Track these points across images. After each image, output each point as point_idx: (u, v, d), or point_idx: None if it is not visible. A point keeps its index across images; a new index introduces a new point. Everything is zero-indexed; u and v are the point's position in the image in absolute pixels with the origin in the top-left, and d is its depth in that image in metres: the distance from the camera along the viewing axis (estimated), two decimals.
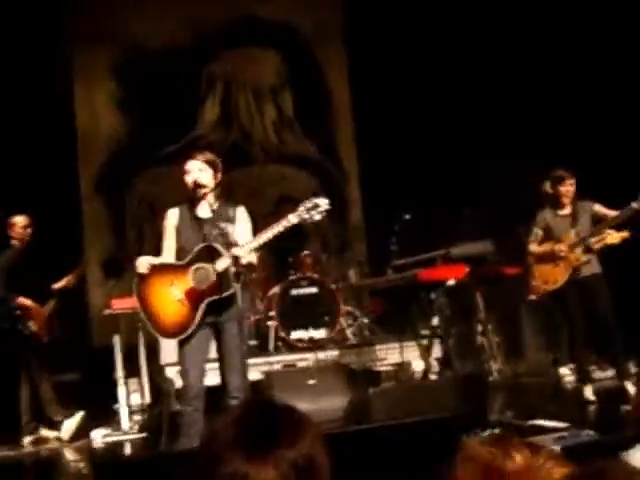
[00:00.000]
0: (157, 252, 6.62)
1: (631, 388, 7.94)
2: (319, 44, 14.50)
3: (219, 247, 6.21)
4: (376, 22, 13.14)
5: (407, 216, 10.55)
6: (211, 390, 6.63)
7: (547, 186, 8.77)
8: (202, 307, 6.27)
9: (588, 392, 8.35)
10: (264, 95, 14.34)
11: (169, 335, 6.54)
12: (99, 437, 8.57)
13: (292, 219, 6.32)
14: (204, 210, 6.49)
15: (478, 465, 1.76)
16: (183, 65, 13.61)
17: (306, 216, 6.34)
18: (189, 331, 6.29)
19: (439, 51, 12.50)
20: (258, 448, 1.87)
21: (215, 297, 6.25)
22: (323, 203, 6.37)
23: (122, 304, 8.66)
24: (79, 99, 13.36)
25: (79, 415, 8.81)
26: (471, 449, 1.81)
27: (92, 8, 13.14)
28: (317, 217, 6.38)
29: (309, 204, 6.37)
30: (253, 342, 10.56)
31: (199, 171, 6.39)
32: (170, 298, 6.37)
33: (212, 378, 6.95)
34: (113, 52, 13.52)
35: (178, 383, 7.76)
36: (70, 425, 8.77)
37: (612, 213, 8.18)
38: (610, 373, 8.99)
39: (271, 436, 1.90)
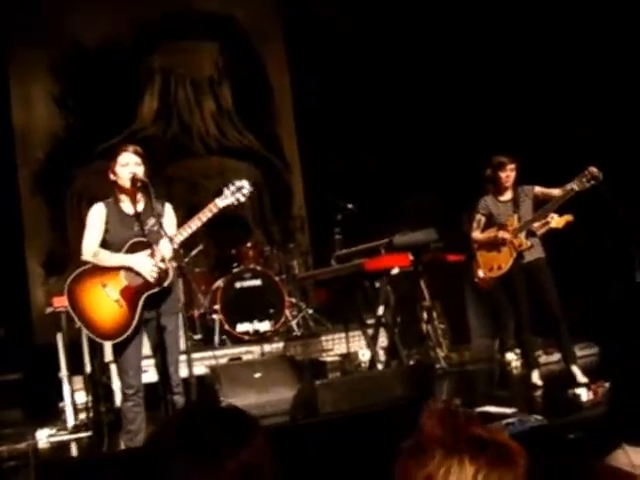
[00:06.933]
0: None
1: (577, 371, 8.01)
2: (258, 35, 14.47)
3: (149, 241, 6.16)
4: (315, 12, 13.12)
5: (350, 206, 10.53)
6: (146, 387, 6.56)
7: (488, 172, 8.77)
8: (140, 304, 6.19)
9: (535, 377, 8.37)
10: (203, 87, 14.28)
11: (110, 338, 6.39)
12: (44, 437, 8.43)
13: (219, 203, 6.31)
14: (135, 205, 6.39)
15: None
16: (121, 59, 13.51)
17: (232, 199, 6.35)
18: (130, 331, 6.20)
19: (378, 41, 12.49)
20: (202, 454, 1.84)
21: (153, 290, 6.17)
22: (246, 185, 6.37)
23: (64, 302, 8.49)
24: (15, 96, 13.18)
25: None
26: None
27: (27, 4, 12.95)
28: (242, 199, 6.39)
29: (233, 187, 6.37)
30: (198, 336, 10.51)
31: (136, 165, 6.31)
32: (105, 300, 6.27)
33: (147, 375, 6.90)
34: (49, 48, 13.34)
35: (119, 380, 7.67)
36: None
37: (554, 191, 8.16)
38: (556, 357, 9.03)
39: (215, 442, 1.87)
